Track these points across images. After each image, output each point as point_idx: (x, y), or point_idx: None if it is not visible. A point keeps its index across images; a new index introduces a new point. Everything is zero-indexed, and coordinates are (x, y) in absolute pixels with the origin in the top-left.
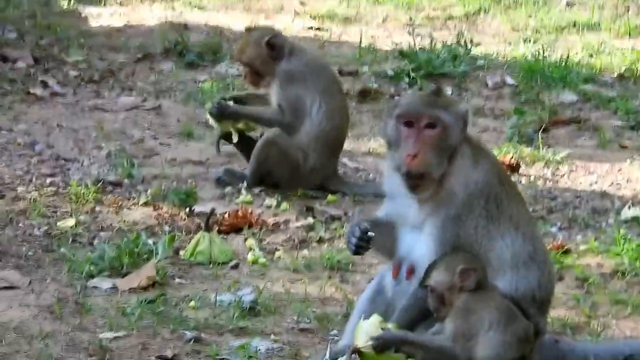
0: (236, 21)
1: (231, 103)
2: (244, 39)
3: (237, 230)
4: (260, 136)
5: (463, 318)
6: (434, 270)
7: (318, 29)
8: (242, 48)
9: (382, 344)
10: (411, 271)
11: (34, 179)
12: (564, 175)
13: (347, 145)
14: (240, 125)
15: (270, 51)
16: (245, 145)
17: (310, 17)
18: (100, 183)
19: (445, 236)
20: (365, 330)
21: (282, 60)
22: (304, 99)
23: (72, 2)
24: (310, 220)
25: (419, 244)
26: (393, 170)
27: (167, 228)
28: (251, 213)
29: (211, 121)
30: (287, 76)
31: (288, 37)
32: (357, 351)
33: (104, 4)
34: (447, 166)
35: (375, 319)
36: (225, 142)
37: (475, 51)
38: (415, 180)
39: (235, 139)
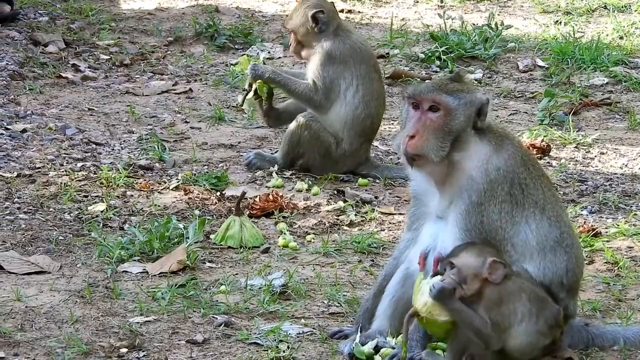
0: (267, 4)
1: (269, 66)
2: (296, 6)
3: (268, 214)
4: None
5: (497, 309)
6: (464, 251)
7: (349, 11)
8: (291, 14)
9: (440, 294)
10: (438, 262)
11: (64, 164)
12: (594, 158)
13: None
14: (270, 93)
15: (314, 24)
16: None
17: None
18: (131, 167)
19: (469, 223)
20: (423, 291)
21: (325, 37)
22: (338, 81)
23: None
24: (340, 204)
25: (444, 233)
26: (396, 148)
27: (197, 212)
28: (282, 197)
29: (246, 83)
30: (327, 55)
31: (338, 16)
32: (415, 314)
33: None
34: (458, 151)
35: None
36: (252, 104)
37: (506, 33)
38: (411, 160)
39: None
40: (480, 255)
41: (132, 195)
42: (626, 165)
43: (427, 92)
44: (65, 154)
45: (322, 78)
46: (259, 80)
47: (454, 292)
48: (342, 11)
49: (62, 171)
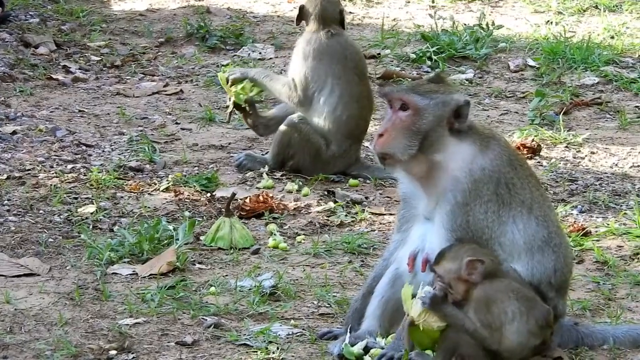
0: (259, 5)
1: (251, 70)
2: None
3: (258, 215)
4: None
5: (485, 309)
6: (443, 257)
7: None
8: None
9: (432, 302)
10: (426, 262)
11: (54, 165)
12: (585, 157)
13: (369, 128)
14: (254, 93)
15: (298, 14)
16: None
17: None
18: (121, 169)
19: (455, 223)
20: (416, 300)
21: (309, 29)
22: (313, 78)
23: None
24: (331, 204)
25: (432, 234)
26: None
27: (187, 213)
28: (272, 198)
29: (224, 87)
30: (302, 50)
31: (331, 19)
32: (412, 323)
33: None
34: (437, 152)
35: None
36: (236, 112)
37: (497, 33)
38: (382, 159)
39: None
40: (457, 258)
41: (122, 197)
42: (616, 165)
43: (397, 92)
44: (55, 155)
45: (299, 74)
46: (234, 91)
47: (446, 297)
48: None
49: (52, 173)
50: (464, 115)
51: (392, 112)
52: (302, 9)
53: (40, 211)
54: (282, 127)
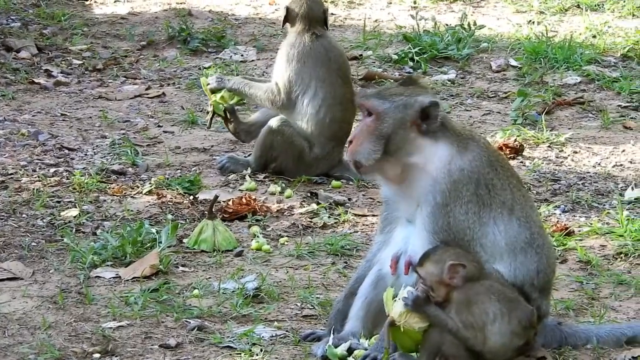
0: (240, 7)
1: (230, 77)
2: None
3: (241, 217)
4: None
5: (467, 310)
6: (427, 260)
7: None
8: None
9: (414, 303)
10: (409, 265)
11: (37, 169)
12: (567, 157)
13: (352, 130)
14: (234, 101)
15: (285, 15)
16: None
17: None
18: (104, 172)
19: (437, 225)
20: (398, 301)
21: (293, 31)
22: (297, 81)
23: None
24: (314, 206)
25: (414, 237)
26: None
27: (170, 216)
28: (255, 200)
29: (206, 92)
30: (285, 53)
31: (316, 21)
32: (392, 323)
33: None
34: (410, 155)
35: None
36: (218, 115)
37: (479, 34)
38: (355, 167)
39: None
40: (440, 261)
41: (104, 200)
42: (599, 164)
43: (361, 98)
44: (37, 159)
45: (282, 77)
46: (213, 100)
47: (429, 299)
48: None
49: (35, 177)
50: (432, 116)
51: (362, 118)
52: (287, 9)
53: (23, 215)
54: (265, 130)
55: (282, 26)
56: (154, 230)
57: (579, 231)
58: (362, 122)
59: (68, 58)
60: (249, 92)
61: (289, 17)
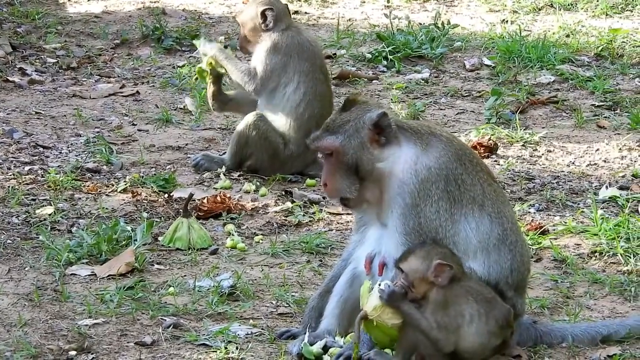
0: (214, 6)
1: (220, 48)
2: (251, 0)
3: (216, 215)
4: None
5: (442, 311)
6: (412, 255)
7: (296, 12)
8: (244, 7)
9: (390, 297)
10: (383, 266)
11: (12, 167)
12: (541, 156)
13: None
14: (222, 70)
15: (262, 21)
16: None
17: (289, 0)
18: (79, 170)
19: (408, 226)
20: (372, 295)
21: (272, 32)
22: (279, 73)
23: None
24: (288, 204)
25: (387, 239)
26: None
27: (145, 214)
28: (230, 198)
29: (200, 52)
30: (272, 45)
31: (290, 18)
32: (365, 317)
33: None
34: (379, 163)
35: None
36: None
37: (453, 33)
38: (342, 205)
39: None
40: (427, 258)
41: (79, 198)
42: (573, 163)
43: (313, 142)
44: (12, 157)
45: (262, 65)
46: (207, 60)
47: (405, 295)
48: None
49: (10, 175)
50: (385, 126)
51: (324, 160)
52: (267, 13)
53: None
54: (240, 126)
55: (269, 30)
56: (129, 228)
57: (554, 230)
58: (326, 163)
59: (42, 56)
60: (227, 65)
61: (267, 19)
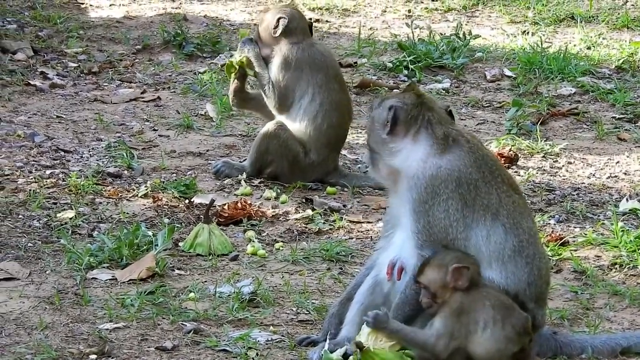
0: (235, 13)
1: (256, 51)
2: (268, 8)
3: (237, 222)
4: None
5: (455, 318)
6: (427, 267)
7: (317, 20)
8: (261, 15)
9: (375, 322)
10: (402, 271)
11: (33, 171)
12: (562, 167)
13: (348, 137)
14: (251, 72)
15: (274, 27)
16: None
17: (309, 9)
18: (100, 175)
19: (419, 224)
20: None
21: (284, 42)
22: (293, 88)
23: None
24: (309, 212)
25: (406, 242)
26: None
27: (166, 220)
28: (250, 205)
29: (238, 47)
30: (283, 60)
31: (306, 31)
32: (360, 347)
33: None
34: (394, 158)
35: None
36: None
37: (474, 43)
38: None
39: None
40: (442, 266)
41: (100, 203)
42: (593, 175)
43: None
44: (34, 161)
45: (277, 82)
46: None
47: (387, 316)
48: (309, 20)
49: (31, 178)
50: (398, 117)
51: None
52: (283, 22)
53: (20, 216)
54: (261, 133)
55: (276, 37)
56: (150, 233)
57: (574, 241)
58: None
59: (64, 61)
60: (258, 72)
61: (278, 27)
